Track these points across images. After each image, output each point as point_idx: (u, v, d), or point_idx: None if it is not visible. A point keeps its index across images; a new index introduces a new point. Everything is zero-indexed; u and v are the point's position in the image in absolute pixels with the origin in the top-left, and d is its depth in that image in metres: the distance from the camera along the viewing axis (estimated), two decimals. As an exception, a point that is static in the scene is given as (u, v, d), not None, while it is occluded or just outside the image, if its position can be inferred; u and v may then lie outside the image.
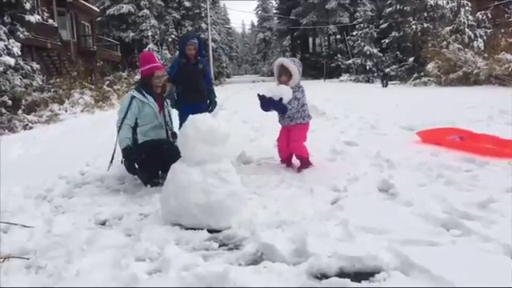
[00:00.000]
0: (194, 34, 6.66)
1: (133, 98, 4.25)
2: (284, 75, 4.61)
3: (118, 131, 4.22)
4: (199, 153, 3.18)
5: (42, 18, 16.74)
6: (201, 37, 5.87)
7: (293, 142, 4.69)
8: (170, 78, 5.26)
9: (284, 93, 4.47)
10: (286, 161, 4.84)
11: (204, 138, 3.17)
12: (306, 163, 4.64)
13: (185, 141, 3.23)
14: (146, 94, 4.28)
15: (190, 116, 3.40)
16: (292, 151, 4.78)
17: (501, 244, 2.48)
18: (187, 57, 5.30)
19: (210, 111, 5.43)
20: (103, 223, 3.35)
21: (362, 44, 35.21)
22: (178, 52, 5.85)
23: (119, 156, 4.26)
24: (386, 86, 23.38)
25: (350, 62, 36.91)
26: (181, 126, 4.84)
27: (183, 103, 5.26)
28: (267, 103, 4.53)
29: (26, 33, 13.98)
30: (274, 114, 4.85)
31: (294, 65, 4.60)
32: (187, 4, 46.71)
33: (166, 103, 4.50)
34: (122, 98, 4.80)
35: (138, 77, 14.38)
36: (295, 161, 4.80)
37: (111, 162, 4.36)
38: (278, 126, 4.92)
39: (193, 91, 5.28)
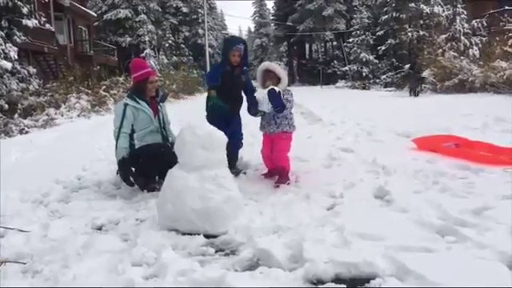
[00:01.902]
0: (240, 38, 5.78)
1: (126, 105, 4.26)
2: (269, 80, 4.33)
3: (116, 141, 4.23)
4: (197, 158, 3.19)
5: (39, 22, 16.70)
6: (245, 42, 4.97)
7: (278, 152, 4.40)
8: (212, 87, 4.67)
9: (277, 90, 4.22)
10: (274, 171, 4.54)
11: (202, 143, 3.19)
12: (285, 177, 4.35)
13: (182, 146, 3.24)
14: (139, 100, 4.30)
15: (188, 122, 3.42)
16: (275, 161, 4.46)
17: (496, 251, 2.50)
18: (232, 65, 4.63)
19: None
20: (100, 228, 3.35)
21: (359, 51, 35.46)
22: (221, 56, 4.93)
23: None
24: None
25: (347, 68, 37.14)
26: None
27: (220, 113, 4.65)
28: (255, 104, 4.28)
29: (23, 37, 13.98)
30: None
31: (280, 68, 4.44)
32: (184, 10, 46.92)
33: (159, 107, 4.50)
34: (114, 107, 4.74)
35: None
36: None
37: (117, 172, 4.38)
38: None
39: (233, 104, 4.75)
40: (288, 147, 4.49)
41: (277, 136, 4.42)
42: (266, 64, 4.54)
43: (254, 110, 4.37)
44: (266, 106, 4.29)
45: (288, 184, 4.27)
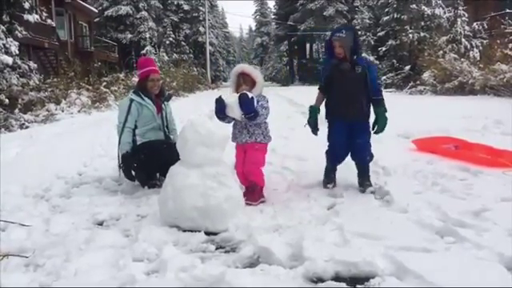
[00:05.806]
0: (345, 26, 4.82)
1: (131, 101, 4.31)
2: (245, 84, 3.84)
3: (120, 135, 4.25)
4: (198, 156, 3.21)
5: (41, 17, 16.70)
6: (354, 28, 4.46)
7: (250, 165, 3.86)
8: (321, 87, 4.19)
9: (250, 95, 3.71)
10: (250, 189, 3.90)
11: (203, 141, 3.20)
12: (257, 194, 3.78)
13: (184, 143, 3.26)
14: (144, 97, 4.35)
15: (189, 119, 3.41)
16: (246, 174, 3.89)
17: (494, 252, 2.52)
18: (338, 58, 3.99)
19: (376, 132, 4.26)
20: (101, 223, 3.37)
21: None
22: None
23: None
24: None
25: (347, 68, 37.05)
26: (330, 148, 4.26)
27: (335, 118, 4.14)
28: (222, 106, 3.73)
29: (24, 32, 13.96)
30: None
31: (258, 71, 3.96)
32: (186, 7, 46.90)
33: (164, 105, 4.53)
34: (120, 102, 4.78)
35: (135, 79, 14.47)
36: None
37: (119, 167, 4.38)
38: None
39: (345, 104, 4.02)
40: (262, 160, 3.96)
41: (249, 146, 3.89)
42: (241, 66, 4.01)
43: (221, 114, 3.80)
44: (237, 112, 3.70)
45: (262, 202, 3.74)
